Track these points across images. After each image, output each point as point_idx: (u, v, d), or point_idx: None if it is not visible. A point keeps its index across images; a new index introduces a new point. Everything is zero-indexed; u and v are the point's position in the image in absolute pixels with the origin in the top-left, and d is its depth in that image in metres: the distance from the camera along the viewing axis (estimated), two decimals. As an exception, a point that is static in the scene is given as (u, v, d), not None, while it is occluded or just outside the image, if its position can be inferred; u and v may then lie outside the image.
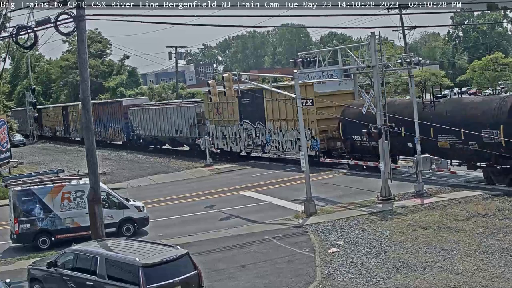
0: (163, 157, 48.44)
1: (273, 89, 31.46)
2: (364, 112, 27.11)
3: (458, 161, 28.01)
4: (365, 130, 26.03)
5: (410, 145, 27.81)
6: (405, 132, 27.09)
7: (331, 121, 33.72)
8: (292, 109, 33.83)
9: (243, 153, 41.40)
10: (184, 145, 48.28)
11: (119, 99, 62.63)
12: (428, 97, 56.89)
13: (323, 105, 32.84)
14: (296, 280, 16.80)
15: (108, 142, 58.68)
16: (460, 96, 61.08)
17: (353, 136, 31.87)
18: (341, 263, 17.88)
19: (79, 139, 62.56)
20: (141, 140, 52.73)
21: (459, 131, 25.70)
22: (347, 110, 31.84)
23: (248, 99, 38.25)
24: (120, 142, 56.41)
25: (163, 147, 51.68)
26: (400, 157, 31.58)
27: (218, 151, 42.73)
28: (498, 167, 25.61)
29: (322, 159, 34.18)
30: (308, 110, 32.77)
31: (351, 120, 29.90)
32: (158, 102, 61.74)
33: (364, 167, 31.74)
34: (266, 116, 37.76)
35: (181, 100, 56.58)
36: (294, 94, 25.28)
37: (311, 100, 28.87)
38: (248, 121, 39.44)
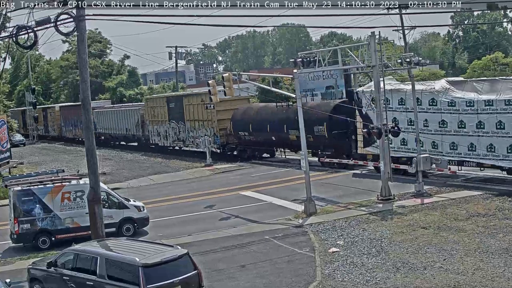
0: (163, 157, 48.49)
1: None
2: (364, 112, 27.21)
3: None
4: (365, 130, 26.03)
5: (273, 138, 38.35)
6: (252, 130, 39.22)
7: (229, 121, 42.11)
8: (202, 111, 43.69)
9: (176, 147, 49.83)
10: (135, 142, 56.90)
11: (77, 103, 68.15)
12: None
13: (222, 109, 41.70)
14: (296, 280, 16.80)
15: (78, 139, 63.58)
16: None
17: (239, 132, 40.74)
18: (341, 263, 17.88)
19: (55, 135, 72.64)
20: (102, 138, 59.15)
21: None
22: (236, 111, 41.43)
23: (173, 103, 47.78)
24: None
25: (121, 143, 59.37)
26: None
27: (153, 146, 51.88)
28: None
29: (322, 159, 35.21)
30: (211, 112, 42.49)
31: (238, 119, 40.74)
32: (116, 105, 67.87)
33: (246, 156, 41.66)
34: (185, 117, 45.99)
35: (132, 103, 64.22)
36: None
37: (213, 105, 38.56)
38: (174, 121, 47.75)
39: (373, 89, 26.84)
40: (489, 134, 25.70)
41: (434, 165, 26.60)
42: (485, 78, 34.38)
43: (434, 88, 28.15)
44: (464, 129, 26.63)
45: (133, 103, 63.56)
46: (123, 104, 65.43)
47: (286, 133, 36.20)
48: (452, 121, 27.15)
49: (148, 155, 50.74)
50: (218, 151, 42.99)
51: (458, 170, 28.00)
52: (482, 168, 27.40)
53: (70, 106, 67.64)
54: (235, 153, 42.85)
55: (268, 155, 41.93)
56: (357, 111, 30.78)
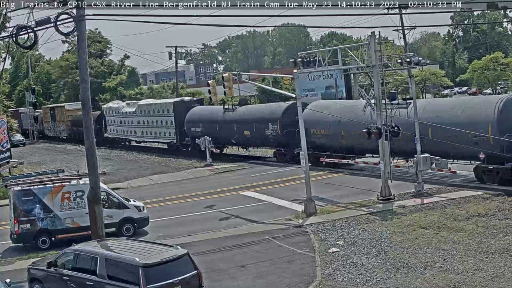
0: (163, 157, 48.51)
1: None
2: (364, 112, 27.25)
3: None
4: (365, 130, 26.05)
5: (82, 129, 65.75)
6: (73, 126, 68.14)
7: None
8: (61, 116, 72.99)
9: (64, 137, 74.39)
10: (40, 134, 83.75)
11: (17, 109, 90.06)
12: (427, 96, 56.34)
13: (70, 114, 69.23)
14: (296, 280, 16.79)
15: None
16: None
17: (73, 127, 67.44)
18: (341, 263, 17.88)
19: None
20: (27, 132, 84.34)
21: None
22: (74, 116, 66.27)
23: (53, 111, 76.27)
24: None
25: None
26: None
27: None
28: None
29: (322, 159, 35.40)
30: (62, 116, 72.53)
31: (73, 120, 66.59)
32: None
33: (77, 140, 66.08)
34: (56, 119, 75.10)
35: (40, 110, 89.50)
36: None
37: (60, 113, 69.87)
38: (52, 121, 76.28)
39: (110, 106, 60.73)
40: (140, 127, 53.40)
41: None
42: (134, 102, 59.94)
43: (122, 105, 57.74)
44: (128, 124, 55.42)
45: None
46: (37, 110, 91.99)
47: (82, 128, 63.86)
48: (124, 120, 56.23)
49: (147, 154, 50.79)
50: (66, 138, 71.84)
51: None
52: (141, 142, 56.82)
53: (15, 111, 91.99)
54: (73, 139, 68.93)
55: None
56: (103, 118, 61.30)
